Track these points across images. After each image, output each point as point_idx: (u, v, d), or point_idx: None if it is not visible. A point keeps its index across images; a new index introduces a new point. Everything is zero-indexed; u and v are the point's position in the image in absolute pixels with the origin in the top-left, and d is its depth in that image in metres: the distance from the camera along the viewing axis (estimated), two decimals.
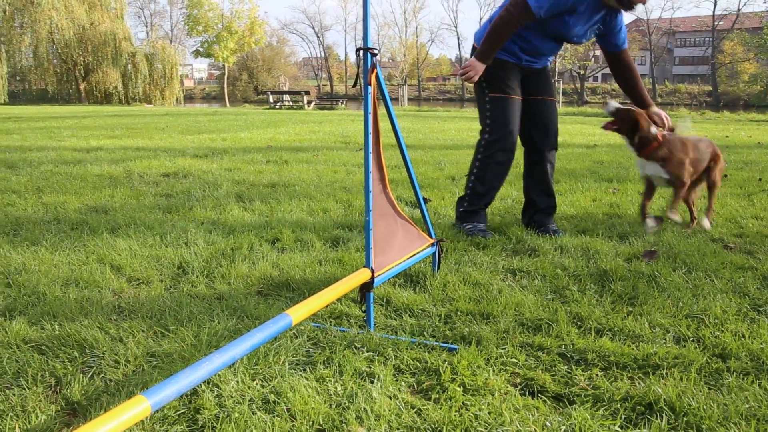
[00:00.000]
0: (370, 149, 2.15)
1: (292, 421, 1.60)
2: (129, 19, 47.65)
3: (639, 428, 1.58)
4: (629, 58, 3.58)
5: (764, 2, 41.90)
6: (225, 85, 48.90)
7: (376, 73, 2.15)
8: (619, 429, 1.58)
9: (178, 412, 1.64)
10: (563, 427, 1.56)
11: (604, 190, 5.03)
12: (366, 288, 2.19)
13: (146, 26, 61.33)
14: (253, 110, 25.70)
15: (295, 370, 1.89)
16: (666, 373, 1.85)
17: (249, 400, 1.69)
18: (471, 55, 3.58)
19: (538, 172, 3.69)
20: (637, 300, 2.48)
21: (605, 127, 3.52)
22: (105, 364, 1.92)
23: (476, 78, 3.41)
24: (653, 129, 3.38)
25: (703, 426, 1.56)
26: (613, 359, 1.96)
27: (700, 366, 1.90)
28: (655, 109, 3.54)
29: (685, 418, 1.60)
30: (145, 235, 3.49)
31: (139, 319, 2.28)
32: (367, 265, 2.19)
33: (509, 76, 3.53)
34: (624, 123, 3.41)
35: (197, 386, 1.74)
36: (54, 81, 38.49)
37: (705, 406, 1.64)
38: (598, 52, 54.85)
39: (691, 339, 2.11)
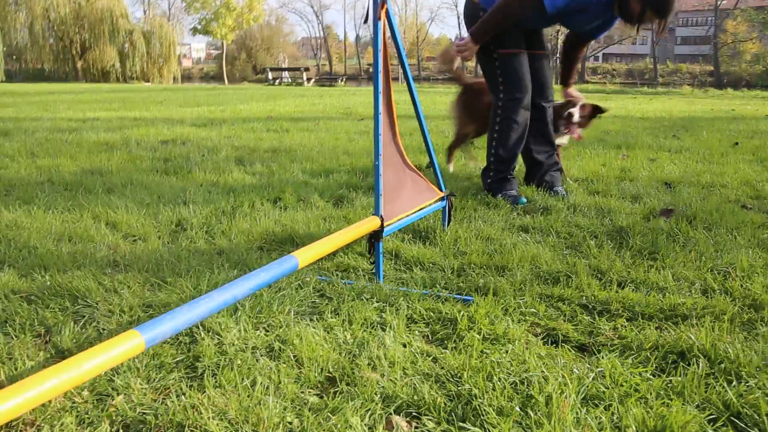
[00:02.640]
0: (380, 90, 2.02)
1: (299, 368, 1.49)
2: None
3: (673, 376, 1.46)
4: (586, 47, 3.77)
5: None
6: (223, 64, 48.41)
7: (386, 9, 2.01)
8: (651, 376, 1.46)
9: (176, 359, 1.52)
10: (591, 374, 1.45)
11: (614, 156, 4.89)
12: (375, 237, 2.07)
13: (143, 4, 60.46)
14: (252, 86, 25.42)
15: (301, 319, 1.77)
16: (696, 323, 1.74)
17: (252, 348, 1.58)
18: (466, 17, 3.47)
19: (538, 128, 3.55)
20: (658, 254, 2.36)
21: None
22: (98, 314, 1.80)
23: (471, 57, 3.40)
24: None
25: (742, 372, 1.45)
26: (638, 309, 1.85)
27: (732, 315, 1.79)
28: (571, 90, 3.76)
29: (721, 365, 1.49)
30: (141, 194, 3.36)
31: (135, 271, 2.16)
32: (376, 212, 2.07)
33: (516, 31, 3.36)
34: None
35: (196, 333, 1.63)
36: (50, 59, 38.04)
37: (742, 354, 1.52)
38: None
39: (718, 291, 2.00)
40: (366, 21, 2.00)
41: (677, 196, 3.36)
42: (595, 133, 6.46)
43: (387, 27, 2.01)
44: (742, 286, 2.01)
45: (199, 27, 42.59)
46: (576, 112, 3.66)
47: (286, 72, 29.33)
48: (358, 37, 69.65)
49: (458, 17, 73.91)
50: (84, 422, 1.28)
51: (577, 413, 1.29)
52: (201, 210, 3.01)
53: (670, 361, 1.54)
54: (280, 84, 26.45)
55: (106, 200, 3.20)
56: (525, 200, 3.28)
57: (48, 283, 2.00)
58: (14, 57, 39.26)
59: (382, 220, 2.06)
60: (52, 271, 2.11)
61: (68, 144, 5.38)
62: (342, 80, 28.29)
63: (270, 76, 28.61)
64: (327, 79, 37.03)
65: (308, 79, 27.31)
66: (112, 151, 5.00)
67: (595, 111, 3.80)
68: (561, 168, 3.71)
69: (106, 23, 36.18)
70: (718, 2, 53.76)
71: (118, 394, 1.36)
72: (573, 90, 3.77)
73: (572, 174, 4.06)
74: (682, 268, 2.19)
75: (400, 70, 2.45)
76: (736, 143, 5.68)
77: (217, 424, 1.24)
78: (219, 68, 51.00)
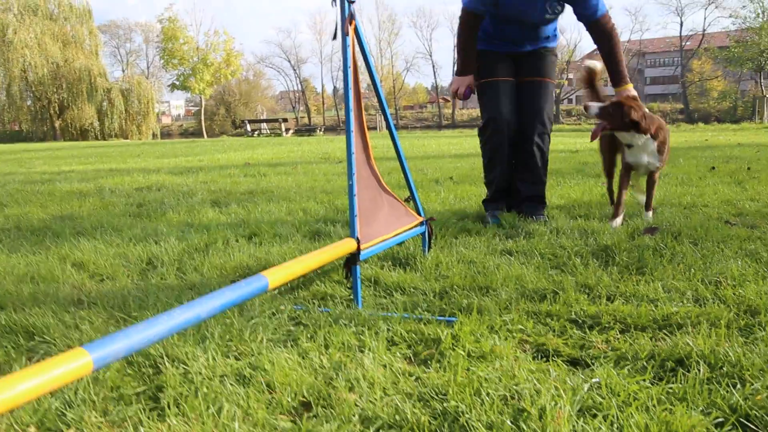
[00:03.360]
0: (351, 107, 1.95)
1: (271, 394, 1.37)
2: (105, 58, 47.08)
3: (673, 383, 1.37)
4: (605, 27, 3.19)
5: (731, 21, 42.78)
6: (202, 119, 48.61)
7: (355, 25, 1.96)
8: (649, 384, 1.36)
9: (136, 391, 1.40)
10: (585, 385, 1.35)
11: (593, 184, 4.87)
12: (352, 261, 1.98)
13: (122, 64, 60.99)
14: (231, 139, 25.48)
15: (275, 346, 1.66)
16: (692, 331, 1.65)
17: (221, 376, 1.46)
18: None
19: (521, 156, 3.47)
20: (646, 268, 2.29)
21: (595, 133, 3.13)
22: (56, 350, 1.67)
23: (463, 89, 3.40)
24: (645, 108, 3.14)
25: (745, 375, 1.36)
26: (630, 321, 1.76)
27: (728, 321, 1.70)
28: (630, 90, 3.16)
29: (722, 369, 1.40)
30: (112, 236, 3.24)
31: (99, 308, 2.03)
32: (351, 234, 1.98)
33: (495, 61, 3.43)
34: (615, 116, 3.02)
35: (160, 363, 1.51)
36: (28, 119, 37.94)
37: (744, 357, 1.43)
38: (572, 75, 55.75)
39: (711, 299, 1.92)
40: (335, 37, 1.96)
41: (660, 216, 3.32)
42: (574, 164, 6.48)
43: (356, 43, 1.97)
44: (734, 293, 1.94)
45: (177, 83, 42.90)
46: (593, 105, 3.09)
47: (265, 123, 29.48)
48: (335, 89, 70.65)
49: (433, 66, 75.44)
50: None
51: (573, 425, 1.18)
52: (173, 248, 2.90)
53: (668, 369, 1.44)
54: (259, 135, 26.55)
55: (75, 243, 3.07)
56: (497, 221, 3.30)
57: (3, 321, 1.87)
58: None
59: (359, 242, 1.97)
60: (8, 310, 1.98)
61: (39, 194, 5.25)
62: (320, 130, 28.50)
63: (249, 127, 28.75)
64: (306, 129, 37.30)
65: (287, 130, 27.48)
66: (85, 198, 4.89)
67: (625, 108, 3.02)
68: (542, 201, 3.52)
69: (84, 82, 36.30)
70: (683, 43, 55.59)
71: (68, 429, 1.23)
72: (624, 89, 3.17)
73: (552, 202, 4.01)
74: (671, 280, 2.12)
75: (377, 119, 2.41)
76: (713, 168, 5.70)
77: None
78: (198, 124, 51.24)
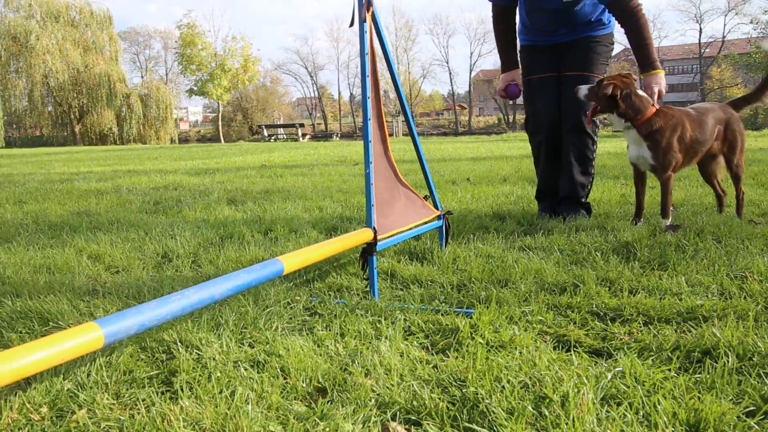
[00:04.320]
0: (368, 94, 1.93)
1: (285, 379, 1.34)
2: (124, 65, 47.54)
3: (700, 373, 1.32)
4: (627, 5, 2.93)
5: (753, 27, 42.24)
6: (219, 125, 48.96)
7: (372, 11, 1.94)
8: (675, 374, 1.32)
9: (149, 374, 1.38)
10: (609, 373, 1.30)
11: (612, 185, 4.81)
12: (368, 251, 1.95)
13: (141, 71, 61.63)
14: (248, 144, 25.62)
15: (289, 334, 1.63)
16: (718, 323, 1.60)
17: (234, 362, 1.44)
18: None
19: (561, 155, 3.32)
20: (669, 264, 2.23)
21: (589, 115, 3.00)
22: None
23: (503, 86, 3.37)
24: (641, 92, 2.87)
25: None
26: (653, 314, 1.71)
27: (756, 314, 1.65)
28: (659, 78, 2.92)
29: (752, 360, 1.35)
30: (128, 231, 3.24)
31: (114, 297, 2.02)
32: (368, 224, 1.95)
33: (534, 58, 3.35)
34: (601, 96, 2.84)
35: (174, 348, 1.49)
36: (49, 124, 38.42)
37: None
38: None
39: (737, 293, 1.86)
40: (351, 24, 1.93)
41: (682, 215, 3.25)
42: None
43: (373, 30, 1.95)
44: (762, 288, 1.88)
45: (195, 88, 43.26)
46: (582, 88, 2.93)
47: (282, 129, 29.59)
48: (352, 96, 70.86)
49: (449, 73, 75.45)
50: None
51: (597, 412, 1.14)
52: (188, 242, 2.89)
53: (694, 360, 1.39)
54: (276, 140, 26.67)
55: (91, 237, 3.08)
56: (542, 215, 3.36)
57: (18, 308, 1.86)
58: (13, 125, 39.64)
59: (375, 232, 1.94)
60: (24, 298, 1.97)
61: (58, 192, 5.29)
62: (337, 136, 28.55)
63: (266, 133, 28.86)
64: (322, 135, 37.42)
65: (304, 135, 27.55)
66: (102, 196, 4.91)
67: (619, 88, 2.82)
68: (585, 205, 3.35)
69: (103, 87, 36.70)
70: (702, 50, 55.06)
71: (80, 410, 1.21)
72: (654, 75, 2.93)
73: None
74: (695, 275, 2.06)
75: (394, 126, 2.38)
76: None
77: None
78: (215, 130, 51.60)
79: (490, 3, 3.28)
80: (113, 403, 1.25)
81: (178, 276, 2.33)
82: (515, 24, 3.30)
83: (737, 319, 1.62)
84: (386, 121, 2.23)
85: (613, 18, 3.12)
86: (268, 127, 30.00)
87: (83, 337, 0.97)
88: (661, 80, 2.93)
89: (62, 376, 1.34)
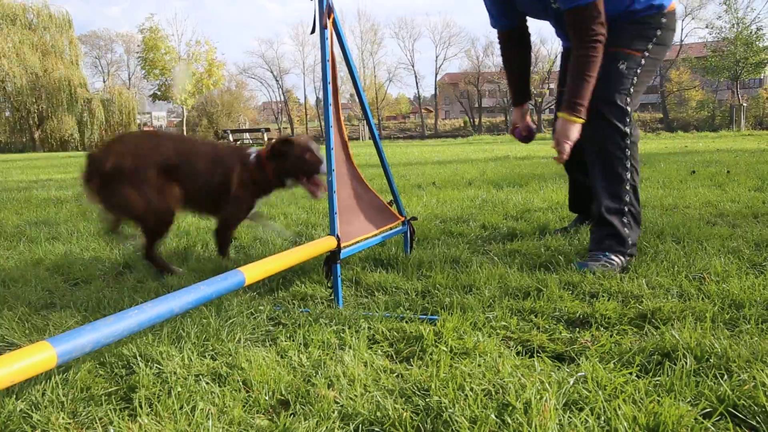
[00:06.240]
0: (330, 101, 1.92)
1: (247, 392, 1.32)
2: (85, 69, 46.19)
3: (659, 375, 1.34)
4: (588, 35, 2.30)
5: (708, 32, 43.42)
6: (184, 130, 48.29)
7: (334, 18, 1.93)
8: (635, 377, 1.34)
9: (108, 391, 1.34)
10: (572, 378, 1.32)
11: None
12: (332, 259, 1.94)
13: (103, 75, 60.40)
14: None
15: (252, 346, 1.61)
16: (678, 325, 1.63)
17: (195, 376, 1.41)
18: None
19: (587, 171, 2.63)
20: (629, 266, 2.27)
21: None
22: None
23: (512, 129, 2.94)
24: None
25: (732, 366, 1.33)
26: (614, 317, 1.74)
27: (713, 315, 1.69)
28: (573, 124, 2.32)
29: (709, 361, 1.37)
30: (88, 241, 3.17)
31: (72, 310, 1.97)
32: (331, 232, 1.94)
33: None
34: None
35: (134, 363, 1.45)
36: (6, 130, 37.42)
37: (730, 349, 1.41)
38: (553, 85, 56.10)
39: (696, 295, 1.90)
40: (313, 31, 1.92)
41: (643, 217, 3.31)
42: (555, 170, 6.49)
43: (335, 36, 1.94)
44: (718, 288, 1.92)
45: (158, 93, 42.58)
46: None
47: (248, 133, 29.31)
48: (317, 100, 70.63)
49: (415, 76, 75.75)
50: None
51: (559, 418, 1.15)
52: None
53: (654, 362, 1.42)
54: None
55: (50, 248, 3.00)
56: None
57: None
58: None
59: (339, 240, 1.93)
60: None
61: (15, 201, 5.15)
62: None
63: (231, 138, 28.53)
64: None
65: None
66: (62, 205, 4.79)
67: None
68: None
69: (64, 92, 35.90)
70: None
71: (34, 431, 1.17)
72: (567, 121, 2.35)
73: (535, 204, 4.01)
74: (655, 277, 2.10)
75: (360, 129, 2.36)
76: (693, 171, 5.75)
77: None
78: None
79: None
80: (69, 423, 1.21)
81: (140, 287, 2.28)
82: (522, 52, 2.83)
83: (696, 321, 1.65)
84: (353, 124, 2.19)
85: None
86: (233, 132, 29.62)
87: (34, 357, 0.93)
88: (573, 131, 2.33)
89: (15, 396, 1.30)
